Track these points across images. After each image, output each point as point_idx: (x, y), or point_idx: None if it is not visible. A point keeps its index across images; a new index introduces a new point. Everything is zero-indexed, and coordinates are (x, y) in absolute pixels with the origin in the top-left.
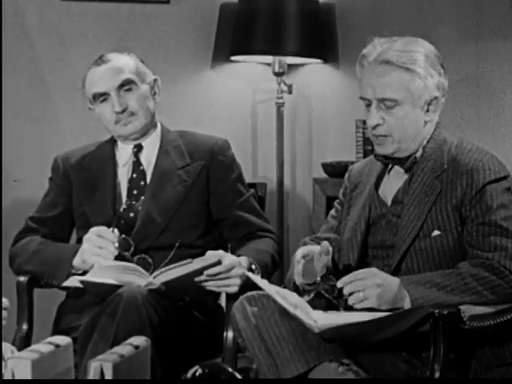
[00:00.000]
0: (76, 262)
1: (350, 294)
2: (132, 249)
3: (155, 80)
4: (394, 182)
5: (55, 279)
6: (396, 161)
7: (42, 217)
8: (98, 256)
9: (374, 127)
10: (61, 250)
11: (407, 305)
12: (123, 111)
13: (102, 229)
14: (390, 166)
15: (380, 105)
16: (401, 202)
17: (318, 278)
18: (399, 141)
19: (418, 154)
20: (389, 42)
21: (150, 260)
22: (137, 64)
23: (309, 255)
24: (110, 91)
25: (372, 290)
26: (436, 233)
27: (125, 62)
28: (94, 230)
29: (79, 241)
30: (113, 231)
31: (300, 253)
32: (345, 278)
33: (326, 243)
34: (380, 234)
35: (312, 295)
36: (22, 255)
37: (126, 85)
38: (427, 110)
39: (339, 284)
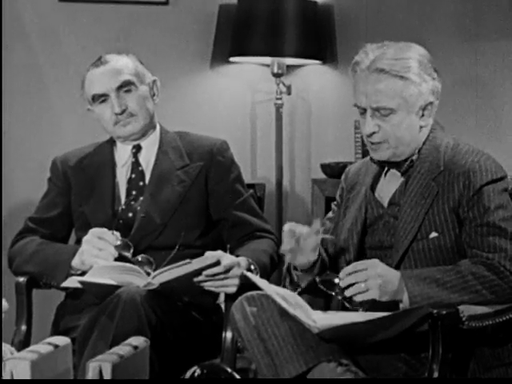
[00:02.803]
0: (75, 262)
1: (349, 286)
2: (131, 251)
3: (154, 81)
4: (390, 184)
5: (54, 280)
6: (392, 164)
7: (41, 217)
8: (98, 257)
9: (370, 135)
10: (60, 251)
11: (406, 299)
12: (122, 112)
13: (102, 230)
14: (386, 168)
15: (375, 113)
16: (397, 204)
17: (317, 278)
18: (395, 146)
19: (415, 157)
20: (381, 48)
21: (151, 259)
22: (136, 65)
23: (295, 234)
24: (109, 92)
25: (374, 281)
26: (434, 234)
27: (124, 63)
28: (93, 231)
29: (78, 241)
30: (113, 233)
31: (287, 228)
32: (346, 269)
33: (316, 222)
34: (377, 235)
35: (304, 285)
36: (20, 256)
37: (125, 86)
38: (422, 115)
39: (341, 274)
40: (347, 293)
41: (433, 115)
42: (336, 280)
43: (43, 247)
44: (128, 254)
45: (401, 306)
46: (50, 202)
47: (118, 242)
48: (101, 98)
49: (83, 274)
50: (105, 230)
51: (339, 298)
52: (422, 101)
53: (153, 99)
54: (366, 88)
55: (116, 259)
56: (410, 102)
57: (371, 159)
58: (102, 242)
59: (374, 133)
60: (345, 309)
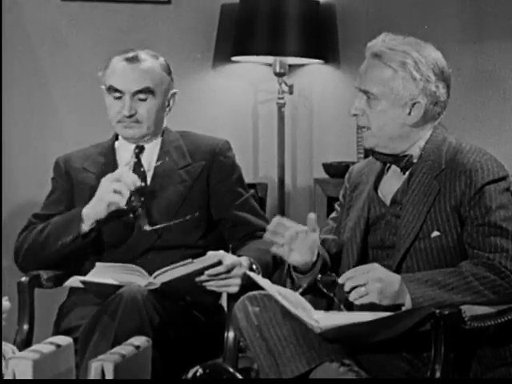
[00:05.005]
0: (86, 211)
1: (351, 290)
2: (142, 199)
3: (174, 94)
4: (392, 182)
5: (66, 236)
6: (391, 159)
7: (46, 214)
8: (115, 194)
9: (354, 116)
10: (67, 213)
11: (408, 302)
12: (130, 116)
13: (122, 171)
14: (387, 164)
15: (363, 96)
16: (400, 203)
17: (319, 275)
18: (376, 136)
19: (415, 155)
20: (392, 39)
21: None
22: (163, 75)
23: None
24: (125, 92)
25: (373, 285)
26: (435, 234)
27: (152, 68)
28: (110, 176)
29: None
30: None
31: (276, 222)
32: (346, 274)
33: (311, 218)
34: (380, 234)
35: (305, 285)
36: (28, 239)
37: (143, 93)
38: (409, 113)
39: (341, 280)
40: (349, 298)
41: (427, 117)
42: (335, 281)
43: (49, 221)
44: (138, 203)
45: (403, 308)
46: (55, 200)
47: (137, 184)
48: (116, 93)
49: (85, 274)
50: (124, 171)
51: (336, 299)
52: (408, 97)
53: (165, 110)
54: (362, 70)
55: (115, 260)
56: (394, 94)
57: (373, 154)
58: (120, 184)
59: (356, 115)
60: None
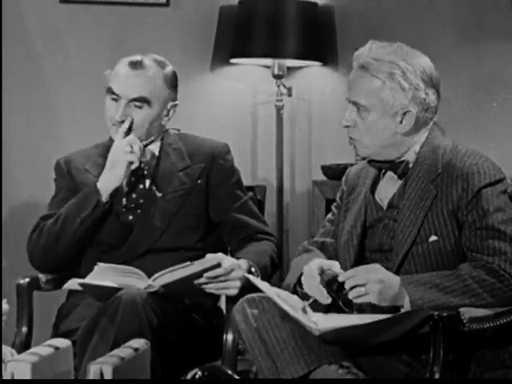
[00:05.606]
0: (100, 183)
1: (351, 289)
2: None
3: (174, 105)
4: (389, 186)
5: (86, 208)
6: (386, 165)
7: (54, 213)
8: (131, 153)
9: (346, 127)
10: (79, 194)
11: (407, 304)
12: (122, 122)
13: (129, 137)
14: (383, 170)
15: (354, 108)
16: (396, 207)
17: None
18: (368, 147)
19: (411, 159)
20: (380, 48)
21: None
22: (163, 86)
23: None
24: (122, 97)
25: (374, 285)
26: (433, 238)
27: (153, 78)
28: (121, 141)
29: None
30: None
31: (316, 267)
32: (347, 272)
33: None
34: (377, 237)
35: (311, 299)
36: (42, 236)
37: (139, 101)
38: (401, 122)
39: (341, 278)
40: (349, 295)
41: (418, 124)
42: (335, 278)
43: (60, 211)
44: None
45: (402, 310)
46: (61, 199)
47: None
48: (113, 95)
49: (85, 275)
50: (131, 137)
51: (333, 295)
52: (399, 107)
53: (162, 119)
54: (350, 82)
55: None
56: (384, 104)
57: (368, 161)
58: (132, 145)
59: (348, 126)
60: (342, 310)
